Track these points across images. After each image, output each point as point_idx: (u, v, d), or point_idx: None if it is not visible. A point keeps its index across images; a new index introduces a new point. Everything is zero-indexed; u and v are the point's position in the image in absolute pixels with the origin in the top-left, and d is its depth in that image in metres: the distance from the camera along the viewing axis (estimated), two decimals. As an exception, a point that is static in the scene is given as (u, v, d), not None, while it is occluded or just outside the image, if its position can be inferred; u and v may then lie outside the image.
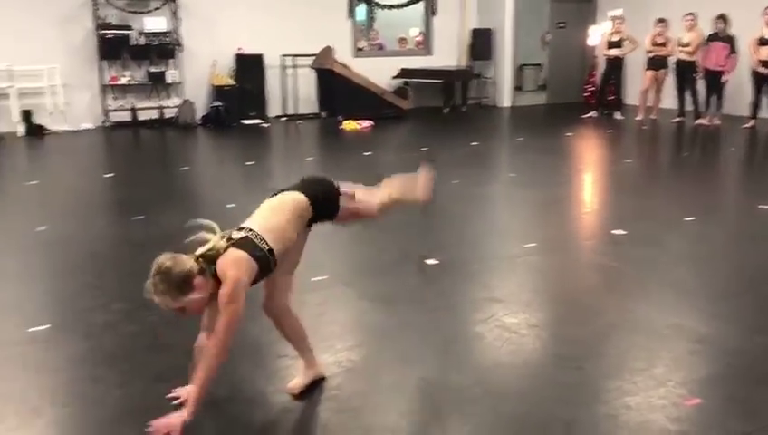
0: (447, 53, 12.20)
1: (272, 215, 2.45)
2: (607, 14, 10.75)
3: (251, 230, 2.36)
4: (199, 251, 2.30)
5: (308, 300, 3.50)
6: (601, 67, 10.98)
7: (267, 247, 2.33)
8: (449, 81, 11.46)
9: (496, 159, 8.02)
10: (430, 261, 4.03)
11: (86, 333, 3.10)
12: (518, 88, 12.48)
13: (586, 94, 11.88)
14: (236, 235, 2.34)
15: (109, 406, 2.51)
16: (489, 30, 12.03)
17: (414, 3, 11.86)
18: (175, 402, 2.47)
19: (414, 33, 12.52)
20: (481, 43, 11.99)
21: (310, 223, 2.58)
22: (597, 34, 11.13)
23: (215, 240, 2.32)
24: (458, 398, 2.57)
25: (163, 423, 2.25)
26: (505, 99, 12.20)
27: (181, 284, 2.21)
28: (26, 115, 9.32)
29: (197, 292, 2.24)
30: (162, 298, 2.22)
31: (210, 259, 2.28)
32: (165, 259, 2.25)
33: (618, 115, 10.40)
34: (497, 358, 2.92)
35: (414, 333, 3.14)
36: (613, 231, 4.63)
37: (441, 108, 11.29)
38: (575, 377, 2.73)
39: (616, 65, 10.41)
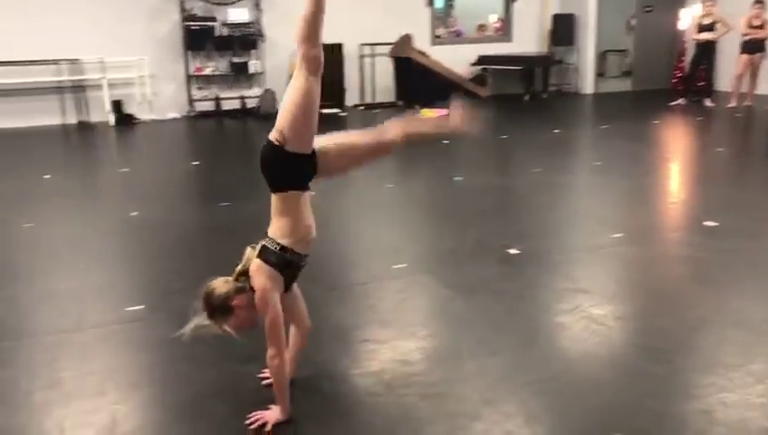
0: (528, 40, 11.97)
1: (273, 213, 2.43)
2: (698, -4, 10.28)
3: (265, 235, 2.39)
4: (238, 269, 2.38)
5: (389, 287, 3.53)
6: (691, 52, 10.52)
7: (278, 246, 2.35)
8: (529, 67, 11.24)
9: (580, 146, 7.82)
10: (512, 250, 3.98)
11: (179, 314, 3.21)
12: (601, 74, 12.10)
13: (674, 80, 11.41)
14: (259, 244, 2.37)
15: (203, 384, 2.61)
16: (571, 15, 11.72)
17: (493, -11, 11.67)
18: (265, 383, 2.55)
19: (493, 19, 12.32)
20: (563, 28, 11.70)
21: (300, 187, 2.41)
22: (687, 18, 10.66)
23: (248, 253, 2.39)
24: (543, 388, 2.53)
25: (260, 414, 2.36)
26: (588, 85, 11.88)
27: (221, 308, 2.32)
28: (117, 105, 9.74)
29: (240, 311, 2.32)
30: (211, 323, 2.35)
31: (247, 273, 2.35)
32: (207, 288, 2.35)
33: (708, 102, 9.93)
34: (583, 349, 2.86)
35: (497, 322, 3.11)
36: (704, 222, 4.45)
37: (521, 95, 11.09)
38: (665, 370, 2.64)
39: (707, 49, 9.94)
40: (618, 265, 3.88)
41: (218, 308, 2.32)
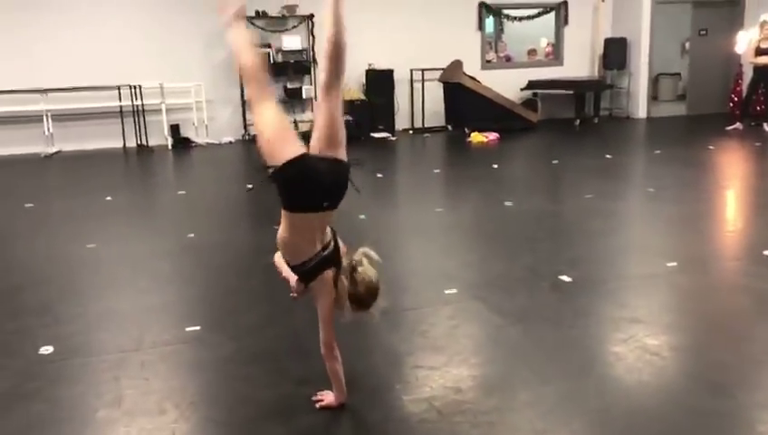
0: (579, 64, 11.92)
1: None
2: (759, 19, 10.08)
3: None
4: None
5: (440, 312, 3.55)
6: (748, 76, 10.31)
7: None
8: (580, 91, 11.18)
9: (632, 172, 7.72)
10: (564, 278, 3.95)
11: (233, 335, 3.31)
12: (654, 98, 11.95)
13: (730, 105, 11.18)
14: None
15: (258, 405, 2.66)
16: (623, 39, 11.63)
17: (544, 14, 11.69)
18: (319, 405, 2.59)
19: (543, 43, 12.32)
20: (614, 52, 11.62)
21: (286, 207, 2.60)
22: (744, 41, 10.46)
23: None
24: (597, 419, 2.51)
25: (323, 395, 2.62)
26: (640, 109, 11.73)
27: None
28: (174, 129, 10.06)
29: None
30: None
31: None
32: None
33: (767, 127, 9.69)
34: (637, 380, 2.82)
35: (549, 350, 3.09)
36: (764, 252, 4.33)
37: (572, 119, 11.02)
38: (726, 406, 2.58)
39: (766, 73, 9.72)
40: (673, 295, 3.81)
41: None
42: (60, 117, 9.63)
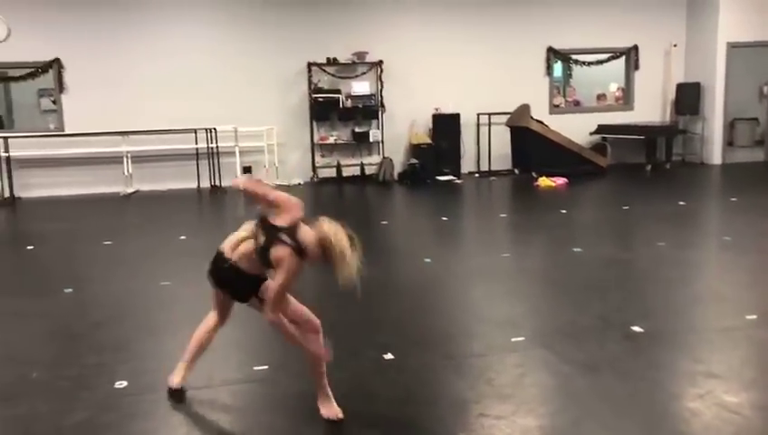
0: (650, 109, 11.74)
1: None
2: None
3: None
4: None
5: (507, 360, 3.50)
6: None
7: None
8: (652, 136, 10.97)
9: (707, 220, 7.48)
10: (636, 328, 3.84)
11: (300, 376, 3.34)
12: (729, 144, 11.59)
13: (812, 150, 10.74)
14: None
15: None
16: (697, 84, 11.39)
17: (614, 59, 11.60)
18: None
19: (613, 88, 12.19)
20: (687, 97, 11.39)
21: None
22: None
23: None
24: (673, 479, 2.41)
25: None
26: (715, 155, 11.41)
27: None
28: (246, 170, 10.37)
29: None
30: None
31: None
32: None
33: None
34: (717, 439, 2.70)
35: (621, 403, 3.00)
36: None
37: (643, 164, 10.80)
38: (812, 470, 2.44)
39: None
40: (753, 350, 3.64)
41: None
42: (139, 158, 10.09)
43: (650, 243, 6.01)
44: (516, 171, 10.91)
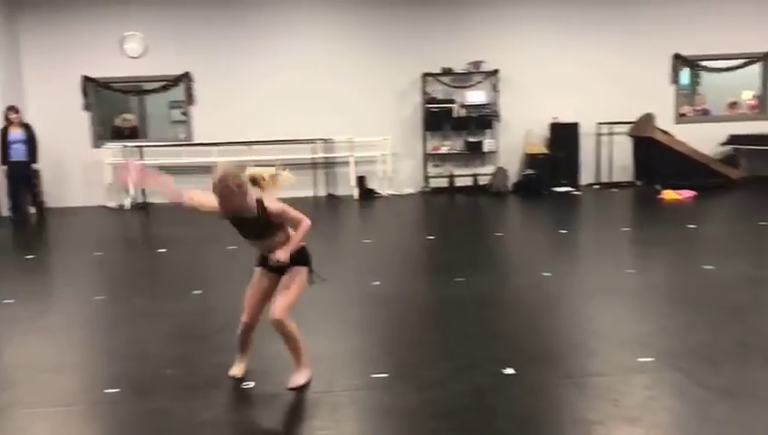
0: (790, 117, 10.91)
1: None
2: None
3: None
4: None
5: (633, 381, 3.33)
6: None
7: None
8: (791, 147, 10.19)
9: None
10: (781, 354, 3.55)
11: (420, 386, 3.33)
12: None
13: None
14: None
15: (445, 461, 2.64)
16: None
17: (749, 64, 10.88)
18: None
19: (747, 96, 11.44)
20: (834, 104, 10.49)
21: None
22: None
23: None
24: None
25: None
26: None
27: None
28: (360, 180, 10.55)
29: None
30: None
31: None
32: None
33: None
34: None
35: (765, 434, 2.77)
36: None
37: (781, 178, 10.06)
38: None
39: None
40: None
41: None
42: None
43: (793, 262, 5.57)
44: (638, 183, 10.45)
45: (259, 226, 3.14)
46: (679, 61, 10.82)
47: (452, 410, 3.09)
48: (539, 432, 2.87)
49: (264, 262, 3.28)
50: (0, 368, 3.78)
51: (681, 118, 10.97)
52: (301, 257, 3.28)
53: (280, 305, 3.16)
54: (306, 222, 3.21)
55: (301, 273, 3.26)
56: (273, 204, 3.14)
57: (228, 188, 2.99)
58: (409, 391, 3.28)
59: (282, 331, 3.20)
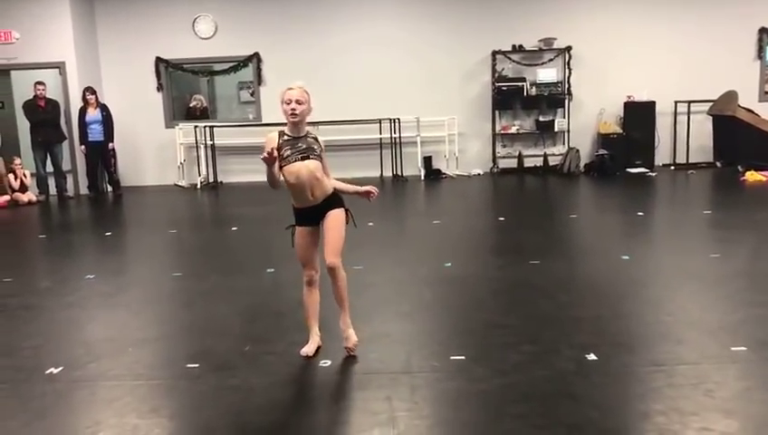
0: None
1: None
2: None
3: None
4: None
5: (727, 371, 3.17)
6: None
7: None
8: None
9: None
10: None
11: (499, 370, 3.25)
12: None
13: None
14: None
15: (531, 447, 2.57)
16: None
17: (842, 37, 10.21)
18: None
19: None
20: None
21: None
22: None
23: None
24: None
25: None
26: None
27: None
28: (427, 160, 10.45)
29: None
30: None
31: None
32: None
33: None
34: None
35: None
36: None
37: None
38: None
39: None
40: None
41: None
42: (328, 147, 10.47)
43: None
44: (719, 164, 10.00)
45: (307, 146, 3.36)
46: (766, 35, 10.24)
47: (533, 395, 3.00)
48: (626, 421, 2.76)
49: (302, 219, 3.42)
50: (84, 341, 3.90)
51: (766, 96, 10.41)
52: (336, 200, 3.43)
53: (332, 251, 3.33)
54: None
55: (340, 215, 3.41)
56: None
57: (304, 92, 3.33)
58: (488, 375, 3.21)
59: (337, 275, 3.36)
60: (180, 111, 11.34)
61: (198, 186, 10.39)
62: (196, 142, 10.40)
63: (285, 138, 3.35)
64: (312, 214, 3.38)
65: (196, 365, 3.41)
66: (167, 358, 3.62)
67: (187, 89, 11.68)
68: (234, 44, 10.61)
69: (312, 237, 3.42)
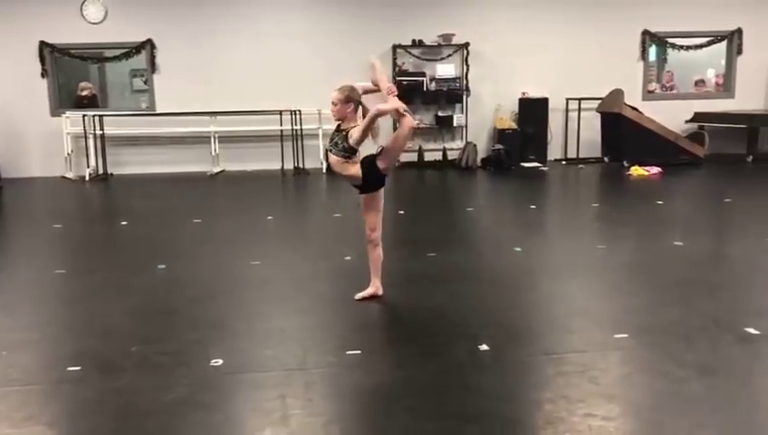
0: (753, 96, 11.05)
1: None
2: None
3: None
4: None
5: (610, 358, 3.31)
6: None
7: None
8: (754, 126, 10.32)
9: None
10: (751, 330, 3.57)
11: (395, 364, 3.26)
12: (842, 135, 10.79)
13: None
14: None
15: (424, 440, 2.58)
16: (808, 69, 10.64)
17: (715, 43, 10.96)
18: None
19: (711, 74, 11.55)
20: (796, 84, 10.65)
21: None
22: None
23: None
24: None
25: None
26: (824, 146, 10.64)
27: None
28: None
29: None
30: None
31: None
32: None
33: None
34: None
35: (741, 410, 2.78)
36: None
37: (743, 156, 10.19)
38: None
39: None
40: None
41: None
42: (225, 138, 10.24)
43: (759, 238, 5.63)
44: (606, 160, 10.50)
45: (334, 141, 4.20)
46: (648, 37, 10.84)
47: (427, 387, 3.03)
48: (518, 410, 2.83)
49: (366, 187, 4.20)
50: (-46, 345, 3.60)
51: (649, 94, 11.03)
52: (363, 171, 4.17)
53: (380, 225, 4.27)
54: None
55: (381, 194, 4.28)
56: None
57: (339, 95, 4.26)
58: (384, 369, 3.22)
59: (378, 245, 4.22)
60: (68, 100, 10.71)
61: (87, 178, 9.87)
62: (85, 132, 9.86)
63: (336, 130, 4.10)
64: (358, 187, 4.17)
65: (79, 368, 3.22)
66: (46, 361, 3.41)
67: (75, 76, 11.05)
68: (125, 30, 10.12)
69: (375, 201, 4.23)
